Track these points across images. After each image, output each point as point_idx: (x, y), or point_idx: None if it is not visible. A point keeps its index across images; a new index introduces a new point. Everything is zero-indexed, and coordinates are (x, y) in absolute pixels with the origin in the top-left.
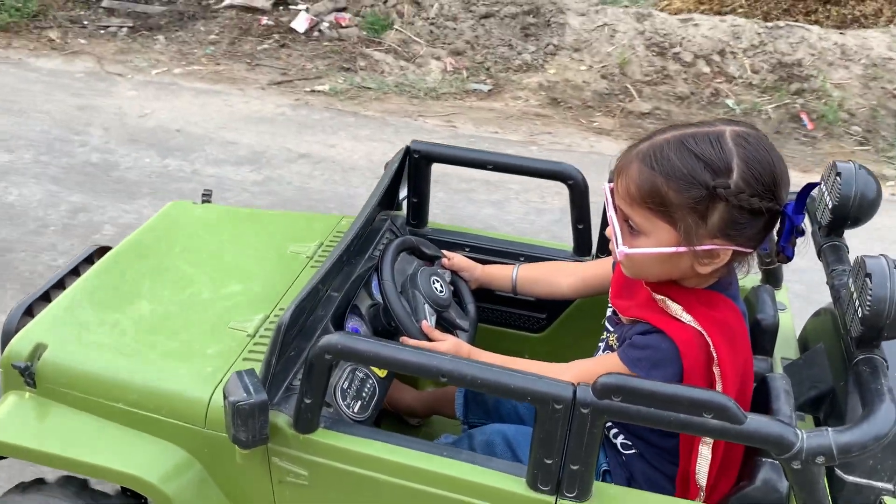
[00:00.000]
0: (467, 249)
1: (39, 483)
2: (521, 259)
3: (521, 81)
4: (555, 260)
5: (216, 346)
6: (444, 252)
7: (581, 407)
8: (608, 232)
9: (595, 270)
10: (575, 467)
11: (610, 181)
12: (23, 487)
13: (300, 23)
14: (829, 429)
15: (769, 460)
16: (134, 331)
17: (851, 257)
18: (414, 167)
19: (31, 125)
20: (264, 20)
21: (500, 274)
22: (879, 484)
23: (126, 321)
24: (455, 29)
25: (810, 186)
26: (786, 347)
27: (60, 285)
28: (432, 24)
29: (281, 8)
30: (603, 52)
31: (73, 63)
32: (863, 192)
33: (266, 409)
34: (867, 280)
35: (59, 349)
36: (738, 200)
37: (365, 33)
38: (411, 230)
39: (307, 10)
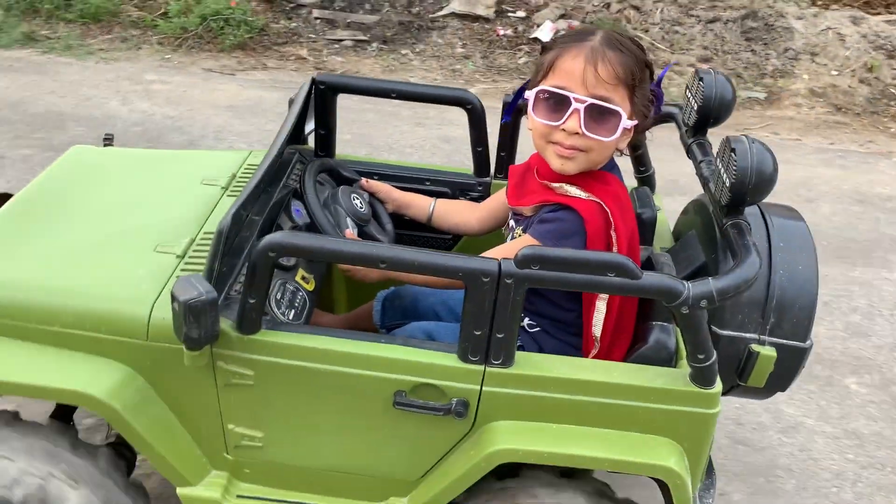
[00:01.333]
0: (376, 177)
1: None
2: (427, 183)
3: (789, 87)
4: (458, 182)
5: (146, 267)
6: (363, 181)
7: (506, 278)
8: (572, 126)
9: (498, 202)
10: (500, 335)
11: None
12: None
13: (545, 32)
14: (710, 278)
15: (659, 324)
16: (59, 260)
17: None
18: (320, 99)
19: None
20: (501, 31)
21: (417, 203)
22: (747, 335)
23: (49, 251)
24: (685, 35)
25: (663, 73)
26: (663, 241)
27: None
28: (660, 28)
29: (509, 16)
30: (841, 57)
31: None
32: (721, 94)
33: (216, 305)
34: (732, 154)
35: None
36: (651, 77)
37: None
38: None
39: (554, 19)
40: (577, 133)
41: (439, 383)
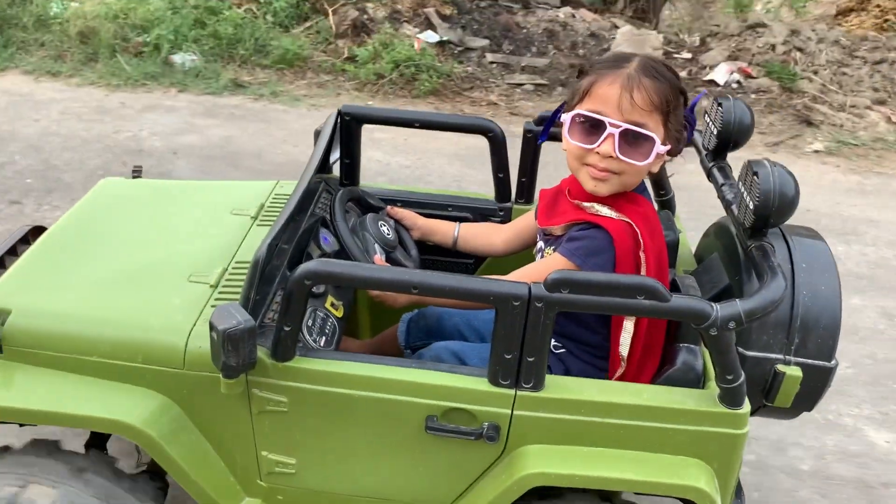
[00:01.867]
0: (399, 204)
1: (5, 450)
2: (449, 209)
3: None
4: (479, 208)
5: (181, 297)
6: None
7: (536, 302)
8: (606, 149)
9: (524, 224)
10: (531, 359)
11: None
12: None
13: (720, 74)
14: (737, 300)
15: (686, 345)
16: (94, 291)
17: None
18: (346, 129)
19: None
20: None
21: (442, 229)
22: (773, 355)
23: (84, 284)
24: (852, 76)
25: (696, 99)
26: (685, 263)
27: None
28: (827, 70)
29: (675, 58)
30: None
31: None
32: (740, 118)
33: (255, 334)
34: (755, 177)
35: (22, 313)
36: (685, 104)
37: (777, 84)
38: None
39: (722, 60)
40: (612, 157)
41: (471, 408)
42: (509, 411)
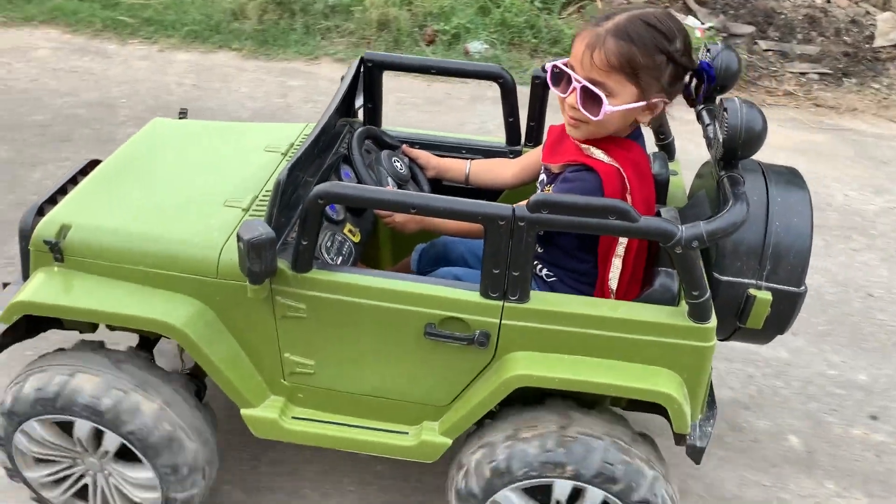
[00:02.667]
0: (417, 146)
1: (60, 350)
2: (463, 151)
3: None
4: (491, 150)
5: (217, 218)
6: (405, 147)
7: (519, 221)
8: (571, 101)
9: (532, 158)
10: (516, 274)
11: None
12: (46, 355)
13: None
14: (701, 222)
15: (664, 269)
16: (143, 212)
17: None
18: (368, 75)
19: None
20: None
21: (454, 166)
22: (745, 280)
23: (134, 205)
24: None
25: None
26: (678, 202)
27: (62, 192)
28: None
29: None
30: None
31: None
32: (727, 64)
33: (275, 244)
34: (724, 113)
35: (82, 227)
36: (680, 60)
37: None
38: None
39: None
40: (574, 108)
41: (464, 316)
42: (498, 320)
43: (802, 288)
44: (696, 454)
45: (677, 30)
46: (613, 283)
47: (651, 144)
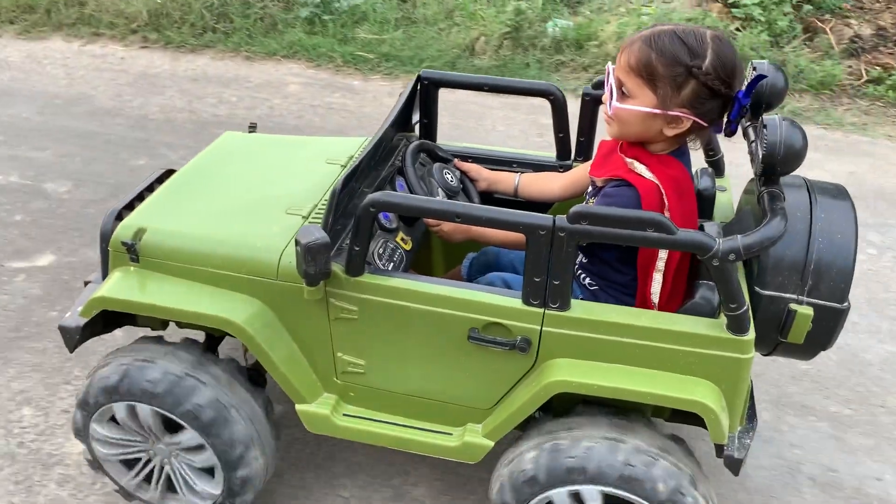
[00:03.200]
0: (469, 159)
1: (118, 350)
2: (514, 165)
3: None
4: (541, 165)
5: (279, 225)
6: (457, 161)
7: (559, 231)
8: (604, 97)
9: (580, 172)
10: (556, 282)
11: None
12: (119, 350)
13: None
14: (738, 235)
15: (705, 282)
16: (212, 217)
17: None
18: (424, 92)
19: None
20: None
21: (504, 179)
22: (787, 295)
23: (204, 211)
24: None
25: (760, 77)
26: (726, 218)
27: (140, 198)
28: None
29: None
30: None
31: None
32: (772, 82)
33: (329, 248)
34: (764, 130)
35: (156, 231)
36: (704, 80)
37: None
38: None
39: None
40: (604, 102)
41: (506, 322)
42: (539, 327)
43: (845, 304)
44: (733, 465)
45: (713, 51)
46: (655, 296)
47: (701, 160)
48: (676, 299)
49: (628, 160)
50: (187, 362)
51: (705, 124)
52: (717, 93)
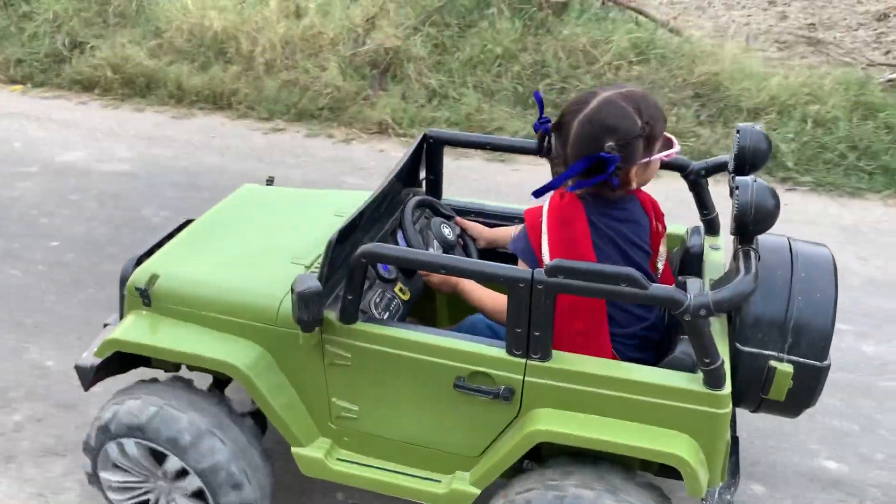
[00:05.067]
0: (472, 215)
1: (154, 380)
2: (516, 221)
3: None
4: None
5: (282, 273)
6: (458, 219)
7: (537, 284)
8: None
9: None
10: (537, 333)
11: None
12: (125, 390)
13: None
14: (709, 291)
15: (684, 337)
16: (221, 265)
17: None
18: (430, 150)
19: None
20: None
21: (502, 234)
22: (767, 352)
23: (214, 259)
24: None
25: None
26: (716, 275)
27: (159, 246)
28: None
29: None
30: None
31: None
32: (755, 145)
33: (322, 296)
34: (736, 190)
35: (168, 278)
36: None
37: None
38: None
39: None
40: None
41: (490, 371)
42: (521, 377)
43: (826, 362)
44: None
45: None
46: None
47: (695, 219)
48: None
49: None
50: (182, 399)
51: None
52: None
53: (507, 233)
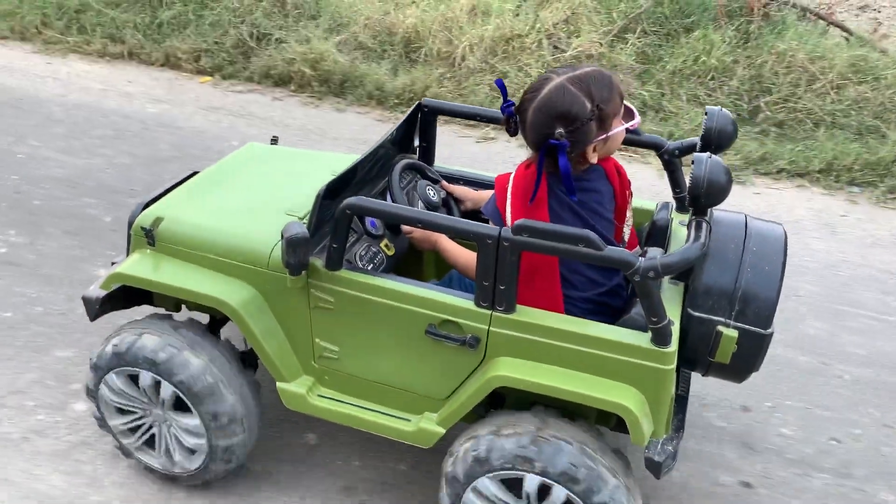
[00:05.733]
0: (461, 182)
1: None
2: None
3: None
4: None
5: (276, 223)
6: (444, 182)
7: (504, 241)
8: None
9: None
10: (502, 287)
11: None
12: (131, 323)
13: None
14: (658, 256)
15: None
16: (220, 213)
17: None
18: (424, 119)
19: None
20: None
21: (486, 197)
22: (715, 318)
23: (215, 207)
24: None
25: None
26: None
27: (165, 193)
28: None
29: None
30: None
31: None
32: (721, 127)
33: (308, 243)
34: (693, 165)
35: (171, 220)
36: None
37: None
38: None
39: None
40: None
41: (458, 320)
42: (487, 327)
43: (769, 330)
44: (653, 468)
45: None
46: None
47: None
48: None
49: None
50: (186, 338)
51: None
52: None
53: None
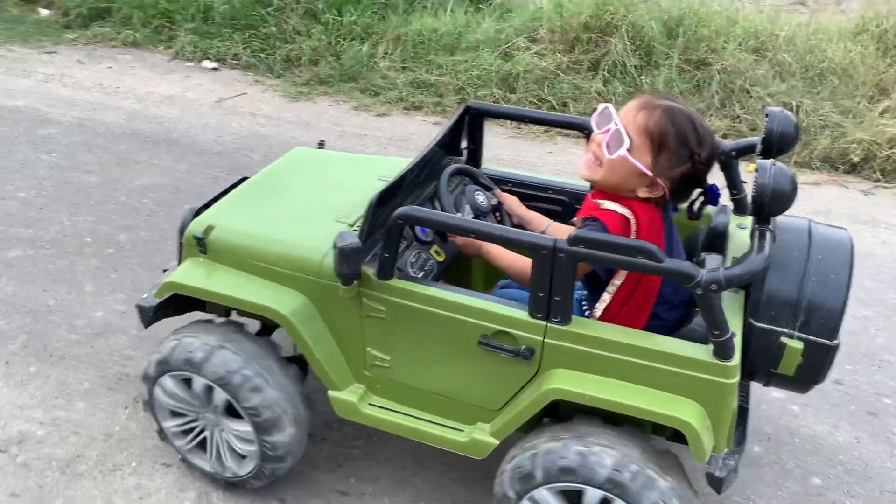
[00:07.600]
0: (510, 185)
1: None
2: (549, 192)
3: None
4: (575, 193)
5: (327, 230)
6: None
7: (559, 252)
8: (600, 139)
9: None
10: (558, 298)
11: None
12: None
13: None
14: (721, 267)
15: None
16: (271, 220)
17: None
18: (471, 121)
19: None
20: None
21: (536, 221)
22: (778, 329)
23: (265, 214)
24: None
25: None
26: (740, 253)
27: (215, 200)
28: None
29: None
30: None
31: None
32: (783, 129)
33: (360, 253)
34: (756, 173)
35: (223, 228)
36: (698, 168)
37: None
38: None
39: None
40: (599, 145)
41: (512, 331)
42: (542, 338)
43: (836, 342)
44: (715, 483)
45: (710, 145)
46: (597, 313)
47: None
48: (633, 323)
49: (598, 201)
50: (225, 335)
51: (668, 198)
52: (698, 178)
53: (540, 222)
